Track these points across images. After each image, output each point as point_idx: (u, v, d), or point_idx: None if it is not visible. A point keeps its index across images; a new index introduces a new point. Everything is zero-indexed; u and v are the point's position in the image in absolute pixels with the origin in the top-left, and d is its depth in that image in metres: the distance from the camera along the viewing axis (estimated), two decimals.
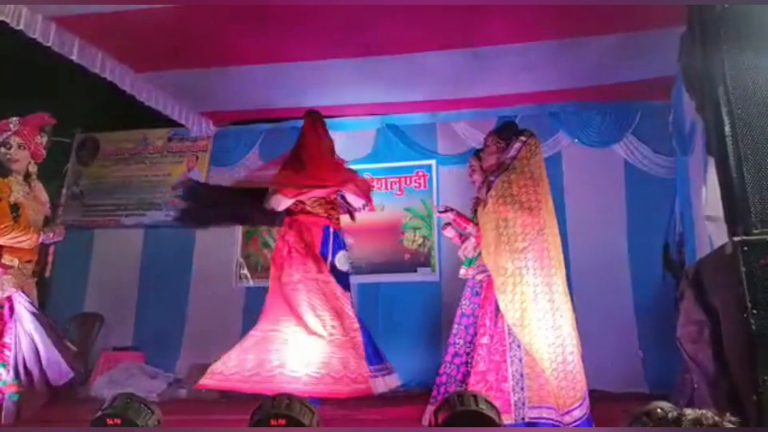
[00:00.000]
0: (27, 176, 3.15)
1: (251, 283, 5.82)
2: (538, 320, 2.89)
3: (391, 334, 5.28)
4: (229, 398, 4.99)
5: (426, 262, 5.57)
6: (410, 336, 5.29)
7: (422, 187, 5.74)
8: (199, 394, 4.99)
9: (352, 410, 3.88)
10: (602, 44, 4.40)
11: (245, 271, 5.86)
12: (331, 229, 3.52)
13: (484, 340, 3.06)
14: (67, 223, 6.31)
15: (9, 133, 3.12)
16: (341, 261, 3.47)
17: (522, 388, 2.86)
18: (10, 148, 3.11)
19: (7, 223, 2.89)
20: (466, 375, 3.41)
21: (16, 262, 2.97)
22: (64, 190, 6.40)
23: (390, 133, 5.87)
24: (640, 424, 1.83)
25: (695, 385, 2.53)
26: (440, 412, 1.96)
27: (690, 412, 1.48)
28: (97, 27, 4.25)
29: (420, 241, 5.62)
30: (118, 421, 1.83)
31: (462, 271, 3.77)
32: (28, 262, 3.06)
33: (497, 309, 3.02)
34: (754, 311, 1.95)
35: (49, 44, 4.20)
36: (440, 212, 3.73)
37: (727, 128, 2.25)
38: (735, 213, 2.15)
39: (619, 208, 5.25)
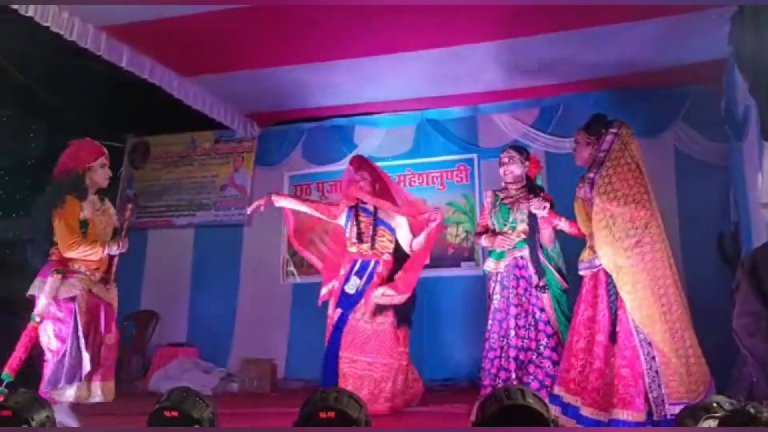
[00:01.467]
0: (98, 192, 3.38)
1: (298, 280, 5.93)
2: (662, 314, 2.88)
3: (436, 329, 5.29)
4: (279, 392, 5.12)
5: (470, 257, 5.54)
6: (455, 331, 5.28)
7: (464, 182, 5.71)
8: (250, 388, 5.14)
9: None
10: (648, 29, 4.26)
11: (292, 268, 5.97)
12: (359, 261, 3.86)
13: (600, 337, 3.02)
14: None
15: (105, 156, 3.36)
16: (350, 286, 3.82)
17: (659, 385, 2.85)
18: (105, 170, 3.36)
19: (75, 239, 3.12)
20: (500, 369, 3.47)
21: (83, 269, 3.22)
22: (119, 194, 6.66)
23: (430, 128, 5.85)
24: (696, 420, 1.78)
25: (753, 379, 2.44)
26: (486, 406, 1.95)
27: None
28: (145, 34, 4.40)
29: (463, 235, 5.59)
30: (176, 413, 1.90)
31: (491, 264, 3.72)
32: (96, 269, 3.29)
33: (613, 305, 3.00)
34: None
35: (100, 53, 4.38)
36: (536, 209, 3.47)
37: None
38: None
39: (670, 198, 5.07)
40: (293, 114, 6.12)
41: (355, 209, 3.94)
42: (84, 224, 3.19)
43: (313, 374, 5.39)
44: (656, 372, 2.86)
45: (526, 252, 3.58)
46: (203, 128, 6.39)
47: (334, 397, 1.91)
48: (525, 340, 3.47)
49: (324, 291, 4.03)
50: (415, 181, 5.81)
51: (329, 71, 5.05)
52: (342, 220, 3.99)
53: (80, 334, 3.10)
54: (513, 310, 3.52)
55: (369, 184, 3.97)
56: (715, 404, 1.71)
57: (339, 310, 3.78)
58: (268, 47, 4.67)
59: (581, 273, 3.26)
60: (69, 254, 3.13)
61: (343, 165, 6.03)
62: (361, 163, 4.15)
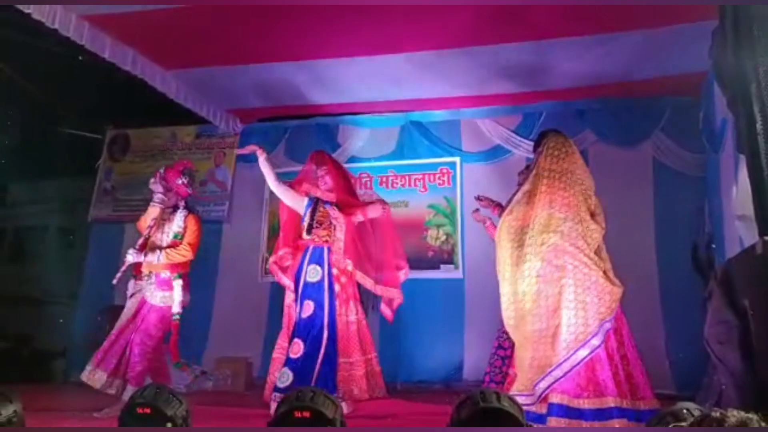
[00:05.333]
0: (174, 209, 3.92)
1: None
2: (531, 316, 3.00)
3: (413, 331, 5.30)
4: (254, 391, 5.08)
5: (449, 259, 5.56)
6: (433, 333, 5.29)
7: (446, 184, 5.73)
8: (224, 386, 5.09)
9: (378, 405, 3.89)
10: (630, 40, 4.34)
11: None
12: (311, 248, 3.76)
13: None
14: (98, 218, 6.49)
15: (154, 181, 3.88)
16: (311, 274, 3.69)
17: None
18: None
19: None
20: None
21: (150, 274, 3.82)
22: (95, 186, 6.56)
23: (414, 130, 5.87)
24: (664, 425, 1.81)
25: (723, 387, 2.49)
26: (462, 408, 1.96)
27: (735, 414, 1.45)
28: (128, 26, 4.35)
29: (443, 238, 5.61)
30: (148, 409, 1.88)
31: None
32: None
33: None
34: None
35: (82, 43, 4.31)
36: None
37: (758, 126, 2.21)
38: (766, 212, 2.11)
39: (647, 207, 5.16)
40: (277, 111, 6.08)
41: (316, 200, 3.85)
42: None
43: None
44: None
45: None
46: (185, 122, 6.33)
47: (310, 396, 1.91)
48: None
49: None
50: (397, 183, 5.82)
51: (315, 70, 5.03)
52: (301, 209, 3.88)
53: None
54: None
55: (331, 180, 3.90)
56: (684, 411, 1.73)
57: (310, 303, 3.63)
58: (254, 43, 4.64)
59: None
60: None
61: None
62: (322, 158, 4.04)
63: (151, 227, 3.84)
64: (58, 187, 7.68)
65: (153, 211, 3.84)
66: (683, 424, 1.67)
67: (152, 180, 3.89)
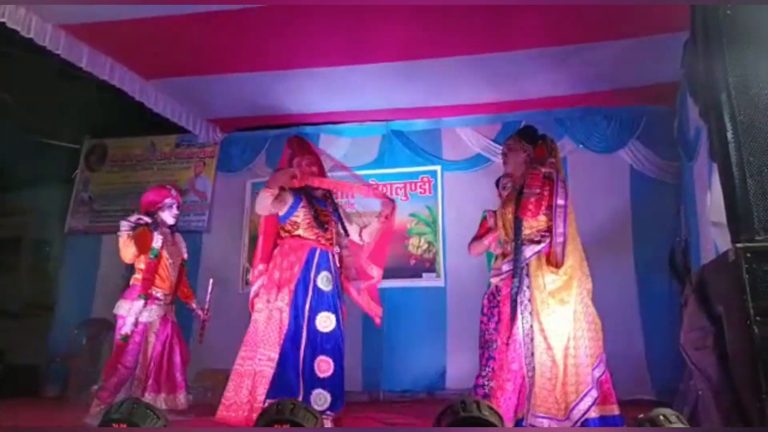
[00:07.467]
0: (172, 227, 4.05)
1: None
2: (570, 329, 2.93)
3: (395, 340, 5.29)
4: None
5: (431, 268, 5.57)
6: (415, 342, 5.28)
7: (427, 193, 5.75)
8: (203, 399, 5.02)
9: (363, 414, 3.88)
10: (608, 50, 4.41)
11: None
12: (318, 251, 3.44)
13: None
14: (75, 229, 6.39)
15: (172, 198, 4.00)
16: (323, 281, 3.39)
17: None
18: (173, 209, 4.02)
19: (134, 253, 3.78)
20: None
21: (160, 294, 3.88)
22: (72, 196, 6.45)
23: (395, 139, 5.89)
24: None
25: (699, 392, 2.52)
26: (443, 417, 1.96)
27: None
28: (106, 34, 4.31)
29: (425, 246, 5.63)
30: (124, 425, 1.85)
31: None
32: (167, 294, 3.96)
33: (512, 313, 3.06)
34: (757, 318, 1.94)
35: (58, 52, 4.25)
36: None
37: (729, 134, 2.25)
38: (738, 219, 2.14)
39: (624, 214, 5.24)
40: (258, 120, 6.06)
41: (307, 196, 3.50)
42: (154, 252, 3.80)
43: None
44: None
45: None
46: (164, 132, 6.27)
47: (290, 409, 1.89)
48: None
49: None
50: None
51: (296, 79, 5.03)
52: (283, 208, 3.48)
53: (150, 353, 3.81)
54: None
55: (318, 169, 3.61)
56: (661, 417, 1.76)
57: (330, 316, 3.33)
58: (235, 52, 4.63)
59: (493, 281, 3.42)
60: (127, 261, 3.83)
61: None
62: (303, 145, 3.69)
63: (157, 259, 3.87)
64: (34, 198, 7.53)
65: (157, 240, 3.85)
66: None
67: (169, 201, 3.98)
